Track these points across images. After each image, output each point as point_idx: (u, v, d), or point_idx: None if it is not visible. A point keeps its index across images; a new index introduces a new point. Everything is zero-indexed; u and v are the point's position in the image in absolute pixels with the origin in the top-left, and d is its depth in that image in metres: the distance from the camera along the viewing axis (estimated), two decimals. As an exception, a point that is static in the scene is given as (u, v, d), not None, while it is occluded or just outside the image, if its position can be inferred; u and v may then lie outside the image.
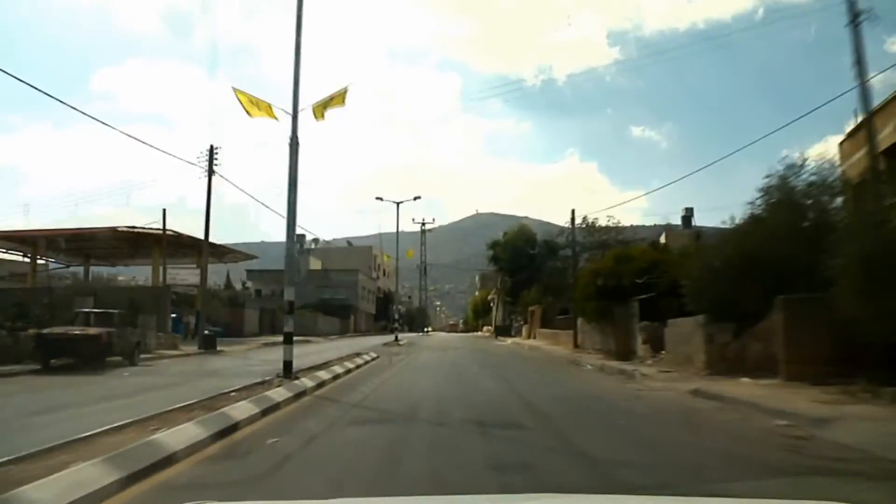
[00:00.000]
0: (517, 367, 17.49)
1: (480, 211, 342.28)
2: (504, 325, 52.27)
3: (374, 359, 19.11)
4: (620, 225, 28.59)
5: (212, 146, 25.23)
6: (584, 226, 22.89)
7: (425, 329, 66.37)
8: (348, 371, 14.38)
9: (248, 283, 69.28)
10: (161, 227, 31.45)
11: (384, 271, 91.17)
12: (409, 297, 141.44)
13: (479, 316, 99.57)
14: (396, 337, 33.97)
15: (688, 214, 55.66)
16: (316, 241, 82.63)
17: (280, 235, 12.20)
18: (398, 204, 34.45)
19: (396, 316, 38.02)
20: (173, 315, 39.41)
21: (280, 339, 12.92)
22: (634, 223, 58.22)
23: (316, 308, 59.01)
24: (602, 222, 30.82)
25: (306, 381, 10.65)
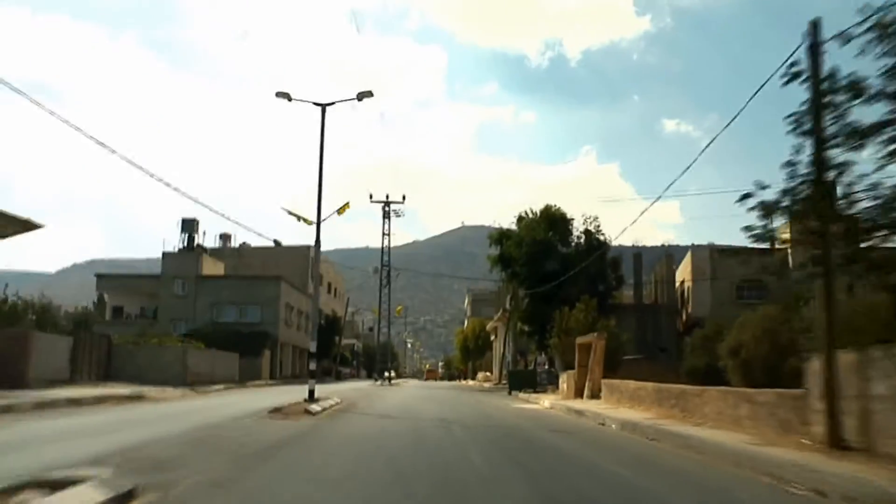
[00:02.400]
0: None
1: (467, 223, 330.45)
2: (525, 372, 37.53)
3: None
4: None
5: None
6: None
7: (385, 375, 50.87)
8: None
9: (105, 296, 53.83)
10: None
11: (332, 289, 76.34)
12: (370, 329, 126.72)
13: (469, 356, 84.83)
14: (311, 393, 18.84)
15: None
16: (226, 237, 67.99)
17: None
18: (323, 107, 19.69)
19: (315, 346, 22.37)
20: None
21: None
22: (669, 242, 44.66)
23: (204, 337, 44.10)
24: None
25: None
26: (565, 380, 29.49)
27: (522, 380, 33.24)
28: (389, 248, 46.16)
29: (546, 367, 44.23)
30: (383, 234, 46.04)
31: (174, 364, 33.03)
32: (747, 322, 17.41)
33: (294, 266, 64.79)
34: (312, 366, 19.79)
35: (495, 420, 17.22)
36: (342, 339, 70.65)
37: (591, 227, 43.88)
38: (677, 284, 46.20)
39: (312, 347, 19.57)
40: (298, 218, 18.89)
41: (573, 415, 19.10)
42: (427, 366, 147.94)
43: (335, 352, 67.78)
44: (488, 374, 61.83)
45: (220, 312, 50.16)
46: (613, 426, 15.38)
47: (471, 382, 66.10)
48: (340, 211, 19.11)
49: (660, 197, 21.07)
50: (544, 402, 25.34)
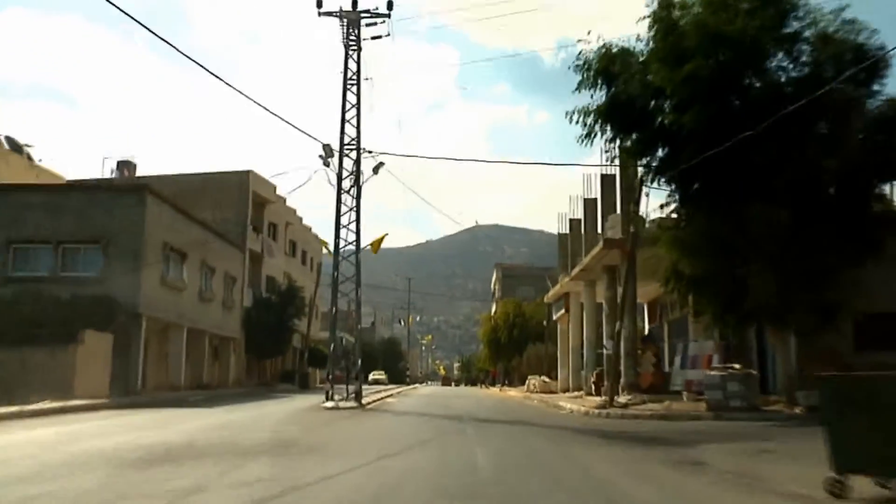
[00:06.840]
0: None
1: (481, 223, 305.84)
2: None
3: None
4: None
5: None
6: None
7: (349, 387, 22.32)
8: None
9: None
10: None
11: (298, 249, 50.19)
12: (372, 323, 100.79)
13: (499, 351, 58.56)
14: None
15: None
16: (127, 166, 42.44)
17: None
18: None
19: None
20: None
21: None
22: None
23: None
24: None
25: None
26: None
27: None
28: (360, 85, 20.10)
29: (715, 361, 17.95)
30: (347, 69, 20.10)
31: None
32: None
33: (228, 204, 38.85)
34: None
35: None
36: (312, 324, 44.17)
37: (835, 30, 17.53)
38: None
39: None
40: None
41: None
42: (442, 370, 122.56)
43: (299, 345, 41.61)
44: (546, 378, 35.62)
45: (24, 260, 24.07)
46: None
47: (512, 392, 39.74)
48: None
49: None
50: None
